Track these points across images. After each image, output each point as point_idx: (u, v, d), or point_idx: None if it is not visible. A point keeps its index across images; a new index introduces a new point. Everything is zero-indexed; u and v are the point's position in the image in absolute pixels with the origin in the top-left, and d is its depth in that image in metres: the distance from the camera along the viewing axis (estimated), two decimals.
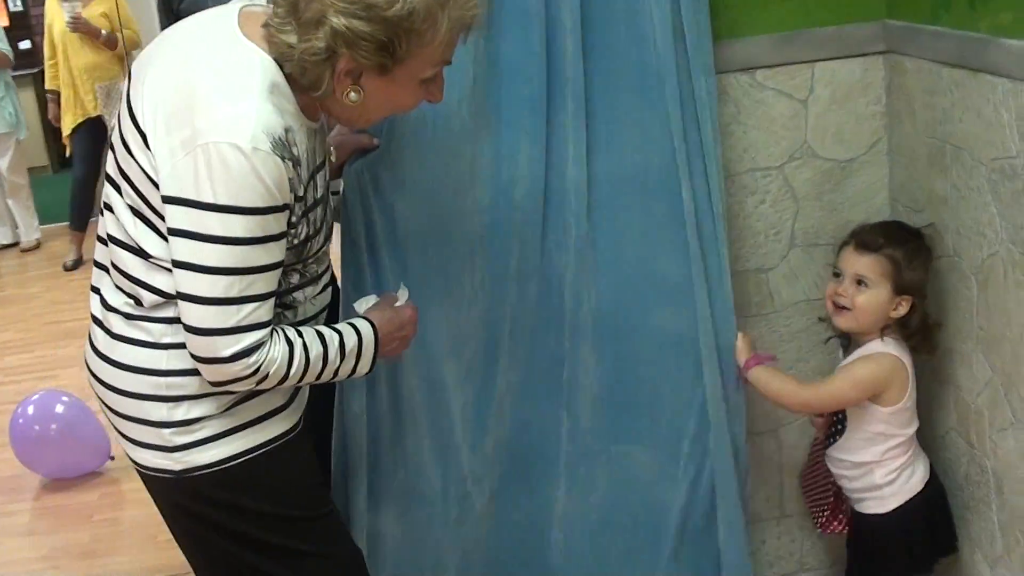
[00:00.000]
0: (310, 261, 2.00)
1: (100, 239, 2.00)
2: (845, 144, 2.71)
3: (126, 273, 1.91)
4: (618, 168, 2.48)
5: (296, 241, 1.89)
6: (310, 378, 1.93)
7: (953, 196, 2.41)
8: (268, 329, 1.83)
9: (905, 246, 2.46)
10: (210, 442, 1.95)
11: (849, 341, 2.60)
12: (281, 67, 1.80)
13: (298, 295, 2.00)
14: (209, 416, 1.94)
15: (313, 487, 2.13)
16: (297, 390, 2.08)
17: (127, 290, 1.93)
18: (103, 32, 6.86)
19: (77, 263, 7.31)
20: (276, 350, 1.84)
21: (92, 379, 2.03)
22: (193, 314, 1.78)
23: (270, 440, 2.00)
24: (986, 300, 2.32)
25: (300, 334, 1.90)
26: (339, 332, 1.97)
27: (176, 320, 1.87)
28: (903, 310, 2.45)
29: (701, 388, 2.57)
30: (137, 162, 1.82)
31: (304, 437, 2.10)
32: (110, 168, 1.92)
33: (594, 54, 2.39)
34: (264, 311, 1.81)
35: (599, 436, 2.59)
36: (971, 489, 2.51)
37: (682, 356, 2.58)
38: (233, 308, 1.77)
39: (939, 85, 2.40)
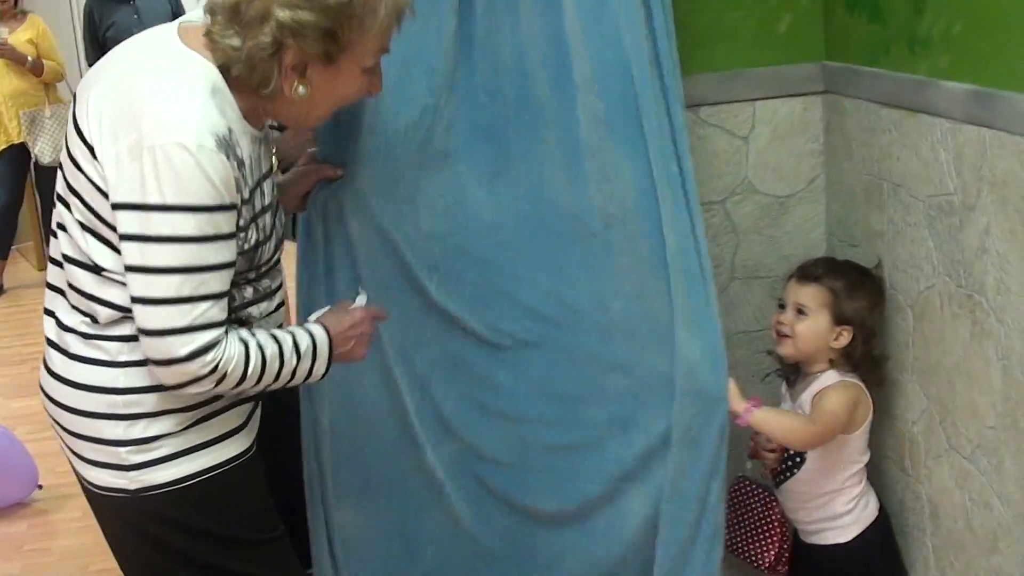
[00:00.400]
0: (263, 273, 2.03)
1: (53, 260, 2.01)
2: (784, 180, 2.81)
3: (80, 291, 1.93)
4: (604, 203, 2.41)
5: (247, 246, 1.93)
6: (268, 378, 1.95)
7: (890, 231, 2.50)
8: (223, 329, 1.86)
9: (846, 278, 2.55)
10: (166, 461, 1.96)
11: (797, 375, 2.65)
12: (227, 73, 1.86)
13: (253, 310, 2.03)
14: (167, 434, 1.95)
15: (265, 510, 2.13)
16: (251, 413, 2.10)
17: (83, 308, 1.94)
18: (29, 58, 6.80)
19: None
20: (232, 348, 1.86)
21: (46, 401, 2.04)
22: (148, 317, 1.81)
23: (226, 461, 2.02)
24: (922, 332, 2.41)
25: (253, 334, 1.93)
26: (291, 333, 2.01)
27: (132, 338, 1.89)
28: (843, 340, 2.53)
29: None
30: (86, 176, 1.85)
31: (257, 460, 2.11)
32: (59, 188, 1.95)
33: (562, 84, 2.38)
34: (218, 310, 1.84)
35: (590, 467, 2.54)
36: (906, 515, 2.59)
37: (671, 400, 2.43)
38: (187, 307, 1.80)
39: (878, 124, 2.50)
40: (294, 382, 2.02)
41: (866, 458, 2.59)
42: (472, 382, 2.54)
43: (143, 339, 1.83)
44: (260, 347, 1.91)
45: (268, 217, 2.00)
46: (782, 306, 2.61)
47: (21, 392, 5.39)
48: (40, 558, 3.77)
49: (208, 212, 1.78)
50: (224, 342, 1.85)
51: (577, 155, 2.40)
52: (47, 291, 2.04)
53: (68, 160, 1.90)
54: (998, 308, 2.11)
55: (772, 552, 2.71)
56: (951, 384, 2.31)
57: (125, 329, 1.91)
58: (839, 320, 2.52)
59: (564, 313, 2.48)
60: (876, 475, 2.69)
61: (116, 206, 1.79)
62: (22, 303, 7.04)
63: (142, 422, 1.94)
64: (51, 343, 2.01)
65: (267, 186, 2.00)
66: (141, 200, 1.76)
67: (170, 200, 1.76)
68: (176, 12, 6.89)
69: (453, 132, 2.40)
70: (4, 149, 6.94)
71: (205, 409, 1.98)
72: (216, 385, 1.88)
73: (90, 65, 6.82)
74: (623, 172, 2.38)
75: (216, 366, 1.84)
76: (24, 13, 6.98)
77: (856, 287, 2.55)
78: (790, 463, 2.62)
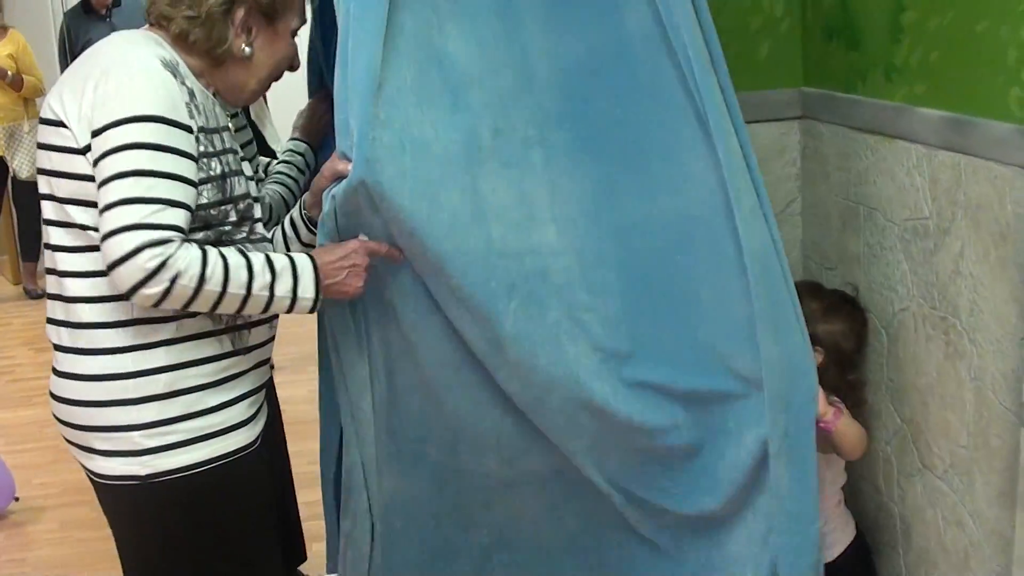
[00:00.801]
0: (242, 216, 2.10)
1: (49, 271, 2.06)
2: None
3: (77, 272, 2.02)
4: (672, 211, 2.29)
5: (213, 174, 2.02)
6: (236, 289, 1.94)
7: (865, 254, 2.56)
8: (177, 234, 1.89)
9: (822, 301, 2.59)
10: (177, 448, 2.04)
11: None
12: (184, 41, 2.07)
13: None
14: (177, 419, 2.03)
15: (266, 506, 2.22)
16: (259, 406, 2.18)
17: (83, 295, 2.02)
18: (9, 73, 6.79)
19: None
20: (187, 252, 1.89)
21: (55, 404, 2.11)
22: (107, 220, 1.88)
23: (234, 451, 2.10)
24: (896, 353, 2.46)
25: (218, 248, 1.97)
26: (266, 254, 2.03)
27: (133, 323, 2.00)
28: (816, 361, 2.55)
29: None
30: (57, 149, 1.98)
31: (262, 452, 2.18)
32: (42, 189, 2.05)
33: (627, 92, 2.28)
34: (171, 215, 1.89)
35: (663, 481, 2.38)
36: (879, 533, 2.64)
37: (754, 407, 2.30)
38: (138, 206, 1.87)
39: (854, 149, 2.56)
40: (275, 305, 2.01)
41: (844, 479, 2.64)
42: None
43: (102, 244, 1.89)
44: (222, 257, 1.94)
45: (231, 158, 2.10)
46: None
47: None
48: (16, 569, 3.77)
49: (158, 122, 1.91)
50: (178, 244, 1.88)
51: (636, 166, 2.29)
52: (48, 302, 2.11)
53: (41, 153, 2.03)
54: (971, 329, 2.16)
55: None
56: (924, 404, 2.36)
57: (121, 313, 2.00)
58: (812, 341, 2.54)
59: (639, 335, 2.31)
60: (850, 494, 2.74)
61: (88, 146, 1.93)
62: None
63: (155, 404, 2.02)
64: (58, 347, 2.09)
65: (227, 137, 2.12)
66: (102, 123, 1.91)
67: (124, 114, 1.90)
68: None
69: (501, 139, 2.24)
70: None
71: (217, 393, 2.07)
72: (171, 285, 1.87)
73: None
74: (692, 176, 2.26)
75: (165, 261, 1.86)
76: (4, 28, 6.98)
77: (833, 311, 2.58)
78: None
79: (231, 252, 1.97)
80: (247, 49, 2.11)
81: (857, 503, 2.72)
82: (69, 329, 2.05)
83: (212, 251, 1.93)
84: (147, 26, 2.12)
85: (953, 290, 2.21)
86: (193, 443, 2.05)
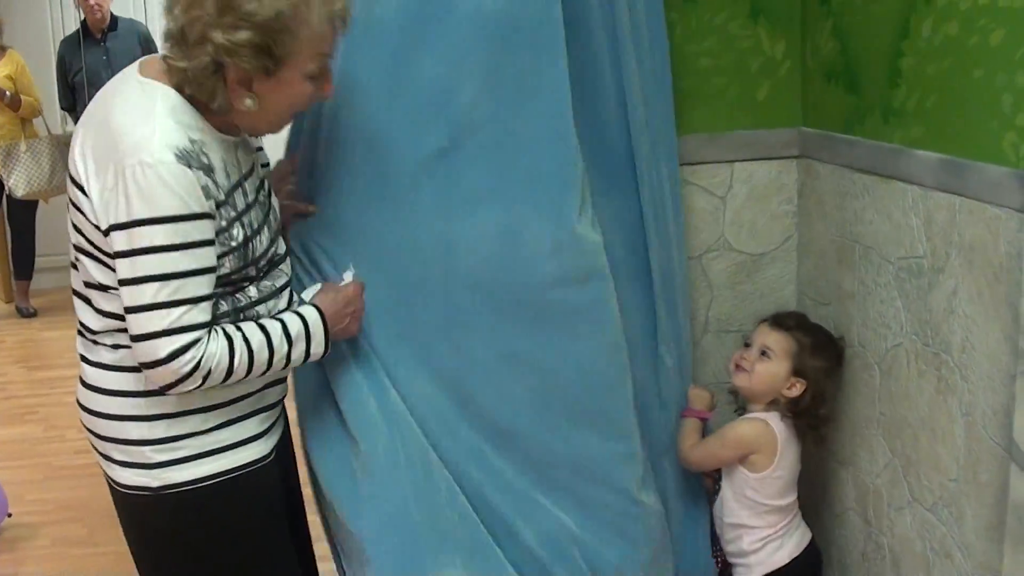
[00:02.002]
0: (265, 271, 2.13)
1: (75, 292, 2.14)
2: (758, 239, 2.93)
3: (98, 309, 2.06)
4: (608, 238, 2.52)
5: (235, 243, 2.03)
6: (260, 367, 2.06)
7: (860, 291, 2.62)
8: (205, 329, 1.96)
9: (814, 337, 2.70)
10: (188, 461, 2.09)
11: (744, 411, 2.81)
12: (184, 92, 1.99)
13: (260, 309, 2.14)
14: (189, 435, 2.08)
15: (278, 514, 2.25)
16: (274, 421, 2.22)
17: (102, 326, 2.07)
18: (7, 93, 6.84)
19: None
20: (215, 345, 1.97)
21: (82, 412, 2.17)
22: (133, 324, 1.93)
23: (244, 465, 2.15)
24: (888, 388, 2.52)
25: (239, 328, 2.04)
26: (281, 320, 2.11)
27: None
28: (795, 391, 2.68)
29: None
30: (82, 212, 1.99)
31: (275, 466, 2.22)
32: (70, 231, 2.08)
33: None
34: (198, 313, 1.95)
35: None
36: (867, 566, 2.69)
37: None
38: (164, 312, 1.91)
39: (851, 189, 2.62)
40: (292, 365, 2.15)
41: (779, 502, 2.70)
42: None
43: (133, 345, 1.96)
44: (246, 340, 2.02)
45: (255, 213, 2.10)
46: (747, 344, 2.75)
47: None
48: None
49: (174, 222, 1.90)
50: (205, 341, 1.96)
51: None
52: (78, 309, 2.15)
53: (70, 204, 2.05)
54: (963, 366, 2.22)
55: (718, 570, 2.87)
56: (915, 438, 2.42)
57: None
58: (797, 372, 2.68)
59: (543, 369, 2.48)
60: (838, 526, 2.80)
61: (106, 232, 1.93)
62: None
63: (164, 422, 2.07)
64: (84, 359, 2.15)
65: (249, 185, 2.11)
66: (119, 220, 1.90)
67: (141, 215, 1.88)
68: (147, 53, 6.98)
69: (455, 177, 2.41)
70: None
71: (227, 412, 2.11)
72: (204, 381, 1.98)
73: (63, 107, 6.95)
74: (621, 214, 2.59)
75: (198, 364, 1.95)
76: (3, 49, 7.03)
77: (821, 348, 2.70)
78: (716, 488, 2.80)
79: (252, 332, 2.04)
80: (249, 102, 1.99)
81: (846, 534, 2.77)
82: (94, 344, 2.10)
83: (237, 338, 2.00)
84: (160, 61, 2.03)
85: (946, 328, 2.27)
86: (203, 457, 2.09)
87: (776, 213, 2.92)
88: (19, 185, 6.77)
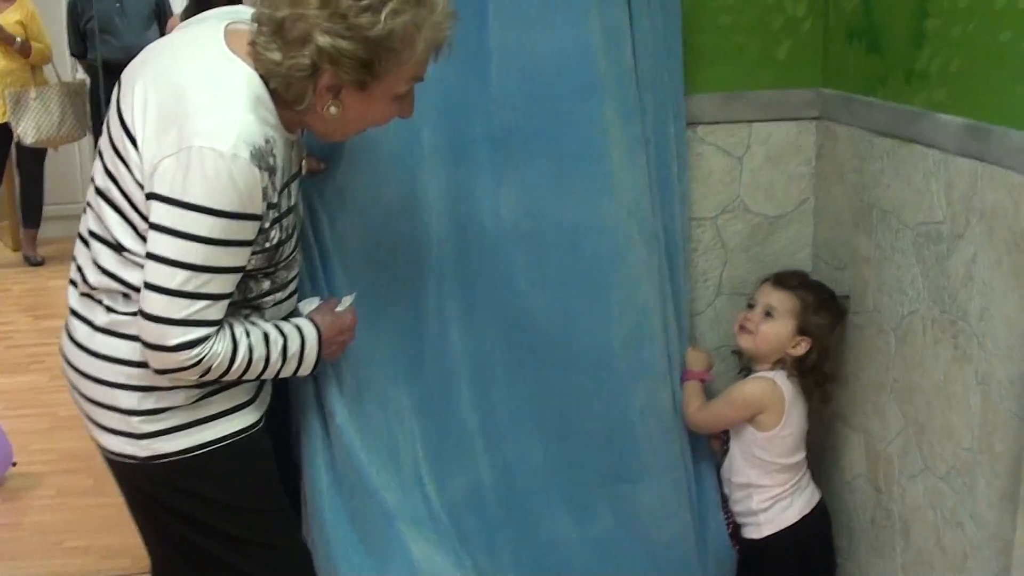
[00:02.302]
0: (280, 267, 2.09)
1: (80, 237, 2.06)
2: (775, 201, 2.89)
3: (103, 268, 2.00)
4: (597, 207, 2.58)
5: (268, 245, 1.99)
6: (251, 375, 2.05)
7: (876, 256, 2.58)
8: (216, 327, 1.93)
9: (817, 294, 2.71)
10: (175, 431, 2.05)
11: (748, 372, 2.80)
12: (266, 82, 1.91)
13: (267, 300, 2.10)
14: (177, 407, 2.04)
15: (269, 482, 2.23)
16: (260, 387, 2.17)
17: (104, 284, 2.01)
18: (17, 39, 6.79)
19: None
20: (220, 346, 1.94)
21: (67, 367, 2.12)
22: (150, 301, 1.88)
23: (233, 433, 2.11)
24: (903, 354, 2.49)
25: (247, 334, 2.01)
26: (284, 336, 2.08)
27: None
28: (801, 350, 2.68)
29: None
30: (126, 164, 1.91)
31: (264, 434, 2.20)
32: (96, 173, 2.01)
33: (578, 94, 2.52)
34: (215, 310, 1.92)
35: (597, 472, 2.69)
36: (876, 532, 2.67)
37: (659, 386, 2.69)
38: (186, 301, 1.87)
39: (870, 152, 2.58)
40: (278, 378, 2.13)
41: (788, 460, 2.70)
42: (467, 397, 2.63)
43: (140, 320, 1.91)
44: (249, 349, 2.00)
45: (291, 217, 2.07)
46: (751, 305, 2.74)
47: None
48: (12, 532, 3.79)
49: (228, 218, 1.85)
50: (214, 339, 1.93)
51: (574, 169, 2.55)
52: (72, 264, 2.11)
53: (108, 147, 1.97)
54: (980, 334, 2.19)
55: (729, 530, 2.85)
56: (929, 406, 2.39)
57: None
58: (802, 330, 2.68)
59: (556, 329, 2.61)
60: (848, 492, 2.78)
61: (151, 195, 1.86)
62: None
63: (155, 394, 2.02)
64: (75, 313, 2.09)
65: (294, 188, 2.07)
66: (172, 195, 1.83)
67: (197, 200, 1.82)
68: (159, 3, 6.94)
69: (459, 140, 2.50)
70: None
71: (215, 384, 2.05)
72: (200, 376, 1.97)
73: (72, 53, 6.89)
74: (624, 181, 2.57)
75: (200, 360, 1.92)
76: None
77: (823, 305, 2.70)
78: (723, 450, 2.80)
79: (257, 342, 2.01)
80: (333, 110, 1.94)
81: (856, 501, 2.75)
82: (88, 300, 2.05)
83: (242, 345, 1.98)
84: (248, 43, 1.92)
85: (964, 295, 2.24)
86: (192, 426, 2.06)
87: (793, 175, 2.88)
88: (28, 132, 6.74)
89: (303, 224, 2.42)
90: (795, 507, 2.72)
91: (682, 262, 2.74)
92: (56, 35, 7.16)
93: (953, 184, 2.26)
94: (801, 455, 2.72)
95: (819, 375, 2.70)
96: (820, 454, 2.83)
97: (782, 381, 2.67)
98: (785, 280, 2.72)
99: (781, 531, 2.71)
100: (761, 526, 2.72)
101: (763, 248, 2.91)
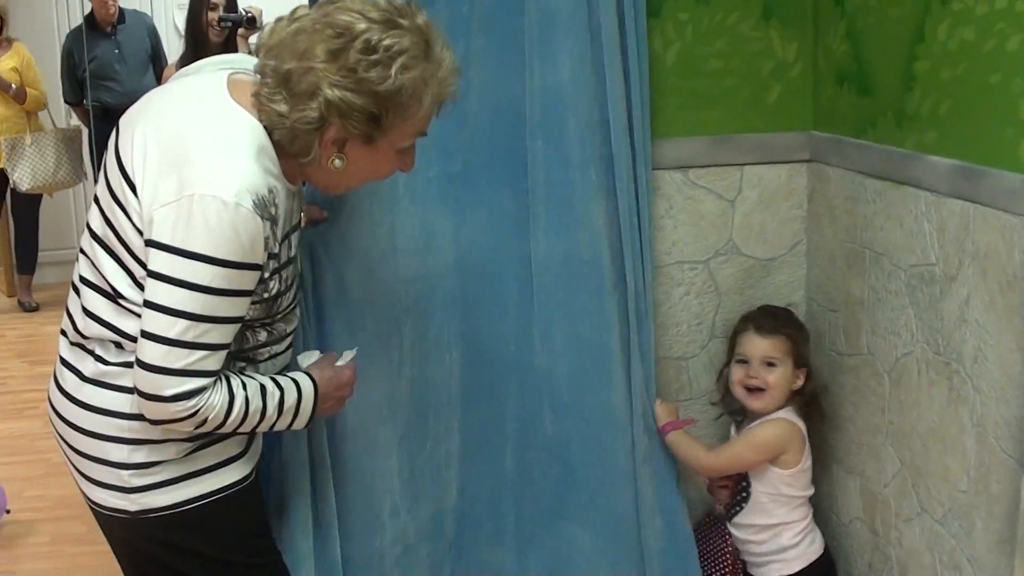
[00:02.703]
0: (278, 319, 2.07)
1: (73, 285, 2.05)
2: (768, 243, 2.89)
3: (96, 316, 1.98)
4: (564, 248, 2.65)
5: (267, 295, 1.97)
6: (247, 428, 2.01)
7: (870, 298, 2.58)
8: (213, 378, 1.91)
9: (794, 324, 2.77)
10: (166, 486, 2.01)
11: (744, 416, 2.80)
12: (270, 134, 1.90)
13: (263, 352, 2.08)
14: (168, 461, 2.00)
15: (262, 535, 2.19)
16: (252, 440, 2.14)
17: (96, 334, 1.98)
18: (13, 86, 6.81)
19: None
20: (216, 397, 1.91)
21: (55, 417, 2.09)
22: (147, 351, 1.86)
23: (225, 487, 2.06)
24: (898, 396, 2.48)
25: (244, 386, 1.98)
26: (281, 389, 2.05)
27: None
28: (801, 381, 2.72)
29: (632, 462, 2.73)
30: (124, 210, 1.90)
31: (256, 486, 2.16)
32: (93, 218, 1.99)
33: (542, 133, 2.60)
34: (213, 361, 1.89)
35: (544, 510, 2.75)
36: None
37: (618, 432, 2.72)
38: (184, 351, 1.85)
39: (862, 194, 2.59)
40: (273, 431, 2.09)
41: (809, 492, 2.73)
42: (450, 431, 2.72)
43: (136, 369, 1.88)
44: (246, 402, 1.96)
45: (291, 268, 2.06)
46: (742, 361, 2.73)
47: None
48: None
49: (229, 267, 1.84)
50: (210, 391, 1.90)
51: (547, 205, 2.63)
52: (64, 313, 2.09)
53: (106, 193, 1.96)
54: (975, 376, 2.18)
55: None
56: (925, 448, 2.39)
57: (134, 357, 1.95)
58: (798, 364, 2.71)
59: (513, 359, 2.70)
60: (845, 536, 2.76)
61: (150, 243, 1.85)
62: None
63: (145, 447, 1.98)
64: (64, 362, 2.06)
65: (294, 239, 2.06)
66: (172, 243, 1.82)
67: (198, 249, 1.81)
68: (155, 48, 6.97)
69: (430, 177, 2.56)
70: None
71: (207, 436, 2.02)
72: (195, 429, 1.93)
73: (67, 101, 6.90)
74: (599, 218, 2.62)
75: (196, 411, 1.89)
76: (9, 41, 6.99)
77: (801, 329, 2.78)
78: (739, 497, 2.76)
79: (254, 396, 1.98)
80: (337, 163, 1.94)
81: (852, 545, 2.74)
82: (79, 350, 2.04)
83: (239, 398, 1.95)
84: (252, 94, 1.92)
85: (958, 337, 2.24)
86: (182, 480, 2.02)
87: (786, 217, 2.88)
88: (24, 179, 6.74)
89: (303, 274, 2.44)
90: (818, 540, 2.75)
91: (649, 310, 2.74)
92: (52, 81, 7.18)
93: (945, 226, 2.26)
94: (812, 487, 2.75)
95: (814, 396, 2.75)
96: (817, 497, 2.81)
97: (794, 417, 2.69)
98: (766, 326, 2.73)
99: (811, 563, 2.72)
100: (791, 562, 2.71)
101: (756, 291, 2.91)
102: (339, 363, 2.22)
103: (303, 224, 2.20)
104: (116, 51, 6.78)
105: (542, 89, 2.56)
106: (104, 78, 6.73)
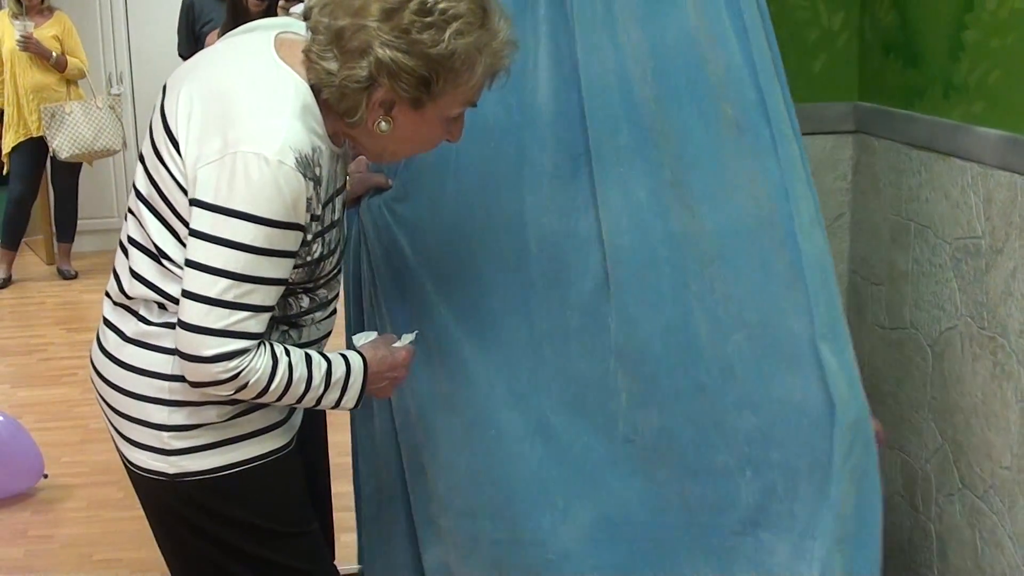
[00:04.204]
0: (320, 284, 2.06)
1: (121, 245, 2.05)
2: None
3: (141, 277, 1.97)
4: (726, 220, 2.25)
5: (310, 259, 1.96)
6: (290, 399, 1.97)
7: (914, 271, 2.55)
8: (255, 341, 1.88)
9: None
10: (206, 450, 2.00)
11: None
12: (318, 93, 1.89)
13: (306, 319, 2.07)
14: (208, 424, 1.99)
15: (299, 505, 2.17)
16: (293, 409, 2.13)
17: (141, 295, 1.98)
18: (53, 54, 6.83)
19: (6, 282, 7.21)
20: (259, 362, 1.88)
21: (96, 377, 2.08)
22: (189, 310, 1.84)
23: (264, 454, 2.05)
24: (941, 371, 2.45)
25: (288, 353, 1.95)
26: (328, 360, 2.01)
27: None
28: None
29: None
30: (168, 169, 1.89)
31: (295, 456, 2.14)
32: (138, 178, 1.98)
33: (673, 96, 2.26)
34: (256, 323, 1.87)
35: (728, 520, 2.30)
36: (913, 552, 2.63)
37: (812, 425, 2.22)
38: (226, 311, 1.83)
39: (907, 166, 2.55)
40: (319, 407, 2.04)
41: None
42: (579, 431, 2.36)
43: (178, 329, 1.87)
44: (290, 368, 1.93)
45: (335, 232, 2.03)
46: None
47: (27, 382, 5.43)
48: (43, 545, 3.78)
49: (272, 227, 1.81)
50: (253, 353, 1.87)
51: (691, 173, 2.26)
52: (112, 274, 2.07)
53: (151, 152, 1.94)
54: (1020, 351, 2.15)
55: None
56: (968, 424, 2.36)
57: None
58: None
59: (677, 352, 2.28)
60: (886, 510, 2.72)
61: (193, 202, 1.83)
62: (29, 295, 7.07)
63: (186, 409, 1.97)
64: (107, 323, 2.06)
65: (338, 202, 2.03)
66: (215, 201, 1.80)
67: (240, 207, 1.79)
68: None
69: (548, 154, 2.31)
70: (23, 142, 6.97)
71: (247, 403, 2.01)
72: (235, 392, 1.90)
73: (181, 55, 6.84)
74: (759, 179, 2.23)
75: (238, 374, 1.86)
76: (51, 9, 7.00)
77: None
78: None
79: (298, 362, 1.94)
80: (384, 125, 1.89)
81: (892, 520, 2.70)
82: (123, 310, 2.04)
83: (282, 363, 1.91)
84: (302, 51, 1.88)
85: (1003, 311, 2.20)
86: (222, 445, 2.00)
87: (830, 189, 2.84)
88: (64, 147, 6.77)
89: (367, 245, 2.41)
90: None
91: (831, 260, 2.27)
92: (91, 51, 7.20)
93: (992, 198, 2.23)
94: None
95: None
96: None
97: None
98: None
99: None
100: None
101: None
102: (396, 344, 2.20)
103: (348, 188, 2.17)
104: None
105: (659, 44, 2.24)
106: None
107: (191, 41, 6.65)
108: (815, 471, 2.21)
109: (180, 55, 6.76)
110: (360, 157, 2.33)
